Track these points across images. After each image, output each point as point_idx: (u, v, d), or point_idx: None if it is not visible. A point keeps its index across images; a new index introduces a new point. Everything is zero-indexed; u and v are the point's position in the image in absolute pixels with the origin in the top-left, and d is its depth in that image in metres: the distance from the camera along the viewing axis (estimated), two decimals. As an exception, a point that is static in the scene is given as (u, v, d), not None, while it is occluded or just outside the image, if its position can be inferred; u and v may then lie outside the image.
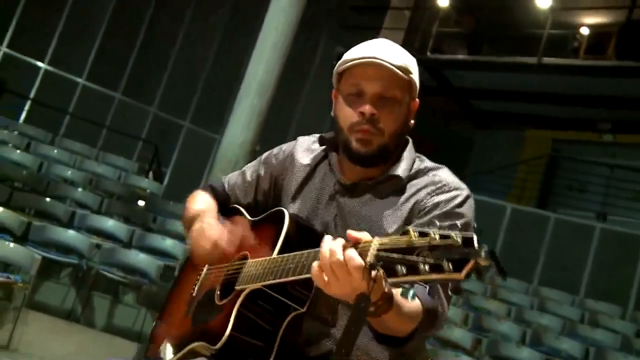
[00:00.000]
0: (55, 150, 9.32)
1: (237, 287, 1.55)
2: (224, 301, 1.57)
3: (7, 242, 5.43)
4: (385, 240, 1.21)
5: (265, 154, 1.90)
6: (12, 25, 10.59)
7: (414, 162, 1.69)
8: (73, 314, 6.36)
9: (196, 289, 1.72)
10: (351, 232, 1.29)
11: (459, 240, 1.10)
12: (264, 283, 1.48)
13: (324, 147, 1.80)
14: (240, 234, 1.73)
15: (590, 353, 6.90)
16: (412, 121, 1.70)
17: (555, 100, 11.24)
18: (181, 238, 7.55)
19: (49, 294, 6.27)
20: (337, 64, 1.69)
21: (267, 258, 1.52)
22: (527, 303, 8.29)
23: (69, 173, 8.68)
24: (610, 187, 10.57)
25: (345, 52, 1.71)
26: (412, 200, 1.62)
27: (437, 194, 1.61)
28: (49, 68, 10.88)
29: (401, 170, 1.66)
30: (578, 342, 7.00)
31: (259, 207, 1.84)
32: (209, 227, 1.68)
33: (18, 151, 8.63)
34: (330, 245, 1.28)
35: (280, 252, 1.52)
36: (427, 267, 1.12)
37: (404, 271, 1.14)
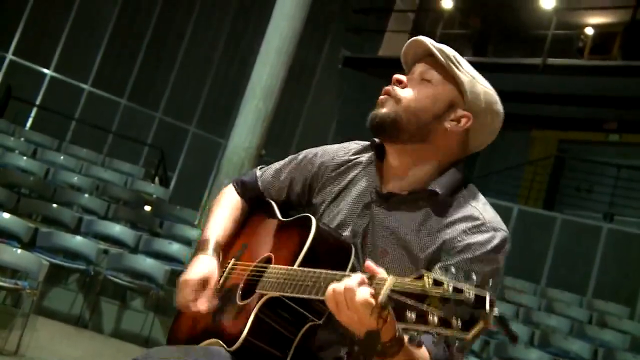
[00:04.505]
0: (62, 157, 9.35)
1: (257, 291, 1.55)
2: (244, 302, 1.57)
3: (14, 249, 5.44)
4: (399, 281, 1.19)
5: (302, 155, 1.83)
6: (18, 32, 10.65)
7: (458, 184, 1.60)
8: (81, 320, 6.38)
9: (221, 282, 1.71)
10: (370, 264, 1.29)
11: (472, 297, 1.08)
12: (282, 294, 1.48)
13: (371, 153, 1.73)
14: (267, 234, 1.72)
15: (599, 354, 6.88)
16: (449, 126, 1.58)
17: (560, 101, 11.21)
18: (188, 242, 7.57)
19: (57, 300, 6.29)
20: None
21: (288, 268, 1.51)
22: (535, 304, 8.27)
23: (75, 179, 8.71)
24: (618, 187, 10.53)
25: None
26: (447, 232, 1.54)
27: (473, 234, 1.53)
28: (55, 74, 10.93)
29: (440, 185, 1.57)
30: (586, 343, 6.98)
31: (293, 206, 1.83)
32: (192, 275, 1.66)
33: (25, 158, 8.66)
34: (348, 281, 1.29)
35: (302, 263, 1.50)
36: (436, 319, 1.10)
37: (413, 318, 1.13)
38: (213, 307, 1.66)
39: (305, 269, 1.46)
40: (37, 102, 10.78)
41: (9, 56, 10.64)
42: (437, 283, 1.13)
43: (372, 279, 1.27)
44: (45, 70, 10.88)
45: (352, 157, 1.76)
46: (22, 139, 9.48)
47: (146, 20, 11.51)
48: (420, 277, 1.16)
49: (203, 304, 1.63)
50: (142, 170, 10.55)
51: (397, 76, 1.62)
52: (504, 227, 1.57)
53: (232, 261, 1.77)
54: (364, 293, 1.25)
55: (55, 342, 5.71)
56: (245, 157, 7.92)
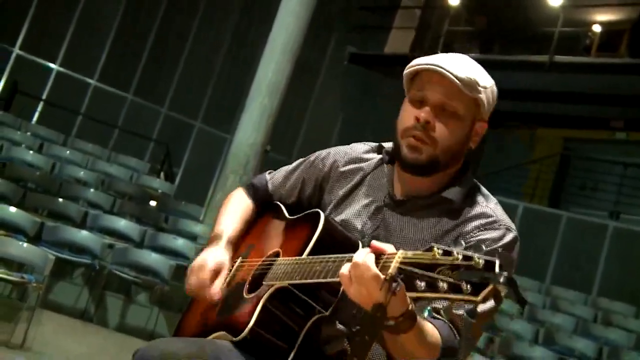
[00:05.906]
0: (68, 151, 9.38)
1: (264, 283, 1.56)
2: (251, 295, 1.59)
3: (20, 243, 5.47)
4: (409, 254, 1.22)
5: (313, 156, 1.85)
6: (25, 27, 10.66)
7: (470, 189, 1.64)
8: (86, 314, 6.41)
9: (228, 279, 1.73)
10: (375, 243, 1.31)
11: (481, 262, 1.10)
12: (291, 282, 1.49)
13: (380, 156, 1.74)
14: (274, 232, 1.74)
15: (604, 352, 6.87)
16: (473, 145, 1.64)
17: (567, 99, 11.17)
18: (193, 238, 7.59)
19: (63, 294, 6.32)
20: (407, 67, 1.63)
21: (297, 257, 1.53)
22: (539, 302, 8.26)
23: (81, 174, 8.73)
24: (623, 186, 10.50)
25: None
26: (460, 229, 1.58)
27: (486, 230, 1.57)
28: (61, 69, 10.95)
29: (455, 193, 1.61)
30: (591, 341, 6.97)
31: (303, 208, 1.83)
32: (208, 261, 1.70)
33: (31, 152, 8.69)
34: (357, 257, 1.31)
35: (310, 254, 1.52)
36: (445, 286, 1.12)
37: (423, 287, 1.15)
38: (222, 300, 1.67)
39: (314, 256, 1.48)
40: (44, 96, 10.80)
41: (16, 51, 10.66)
42: (446, 253, 1.15)
43: (381, 255, 1.29)
44: (52, 65, 10.90)
45: (362, 156, 1.77)
46: (29, 133, 9.51)
47: (152, 15, 11.50)
48: (430, 249, 1.18)
49: (216, 290, 1.67)
50: (148, 165, 10.56)
51: (424, 118, 1.55)
52: (514, 226, 1.60)
53: (240, 260, 1.78)
54: (373, 267, 1.27)
55: (61, 336, 5.74)
56: (250, 153, 7.94)
